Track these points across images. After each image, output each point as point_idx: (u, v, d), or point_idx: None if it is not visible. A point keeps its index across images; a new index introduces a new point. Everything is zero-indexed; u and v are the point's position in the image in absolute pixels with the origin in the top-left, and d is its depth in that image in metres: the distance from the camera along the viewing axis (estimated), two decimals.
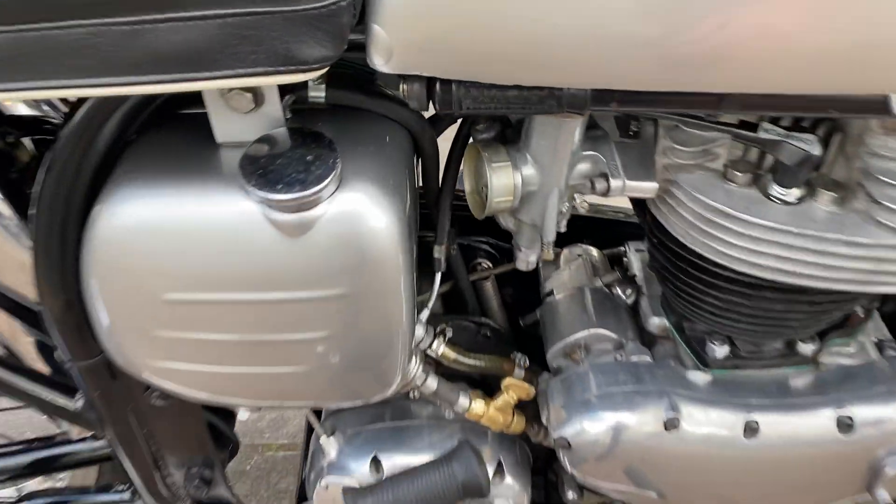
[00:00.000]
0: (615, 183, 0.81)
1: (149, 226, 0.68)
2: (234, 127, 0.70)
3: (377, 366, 0.80)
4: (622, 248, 1.16)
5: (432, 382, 0.91)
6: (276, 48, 0.58)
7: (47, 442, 1.09)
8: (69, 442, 1.05)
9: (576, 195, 0.85)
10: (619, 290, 1.05)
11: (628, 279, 1.06)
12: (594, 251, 1.12)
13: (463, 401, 0.93)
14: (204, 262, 0.68)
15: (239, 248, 0.68)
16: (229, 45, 0.57)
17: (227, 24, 0.56)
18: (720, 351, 0.93)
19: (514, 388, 0.94)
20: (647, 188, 0.82)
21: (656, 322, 1.02)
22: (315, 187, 0.65)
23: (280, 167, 0.66)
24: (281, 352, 0.75)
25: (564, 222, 0.88)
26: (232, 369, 0.77)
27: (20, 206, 0.86)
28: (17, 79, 0.58)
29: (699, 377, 0.95)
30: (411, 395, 0.92)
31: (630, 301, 1.05)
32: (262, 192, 0.64)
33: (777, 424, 0.91)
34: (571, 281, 1.06)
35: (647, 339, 1.04)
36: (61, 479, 1.28)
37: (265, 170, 0.66)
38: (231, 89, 0.66)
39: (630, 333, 1.00)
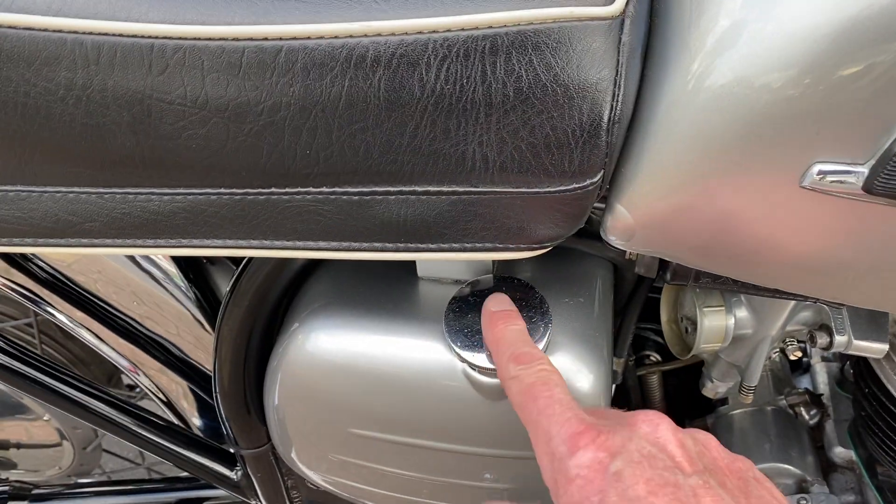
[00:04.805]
0: (839, 339, 0.72)
1: (343, 360, 0.65)
2: (437, 263, 0.65)
3: None
4: None
5: None
6: (508, 226, 0.53)
7: (191, 483, 1.10)
8: (215, 486, 1.06)
9: (789, 340, 0.77)
10: (802, 411, 0.96)
11: (815, 399, 0.96)
12: (776, 356, 1.02)
13: None
14: (396, 406, 0.65)
15: (434, 400, 0.64)
16: (459, 221, 0.53)
17: (460, 202, 0.51)
18: None
19: None
20: (875, 349, 0.73)
21: (841, 453, 0.93)
22: None
23: None
24: (457, 492, 0.72)
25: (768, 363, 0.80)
26: (405, 496, 0.74)
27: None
28: (235, 236, 0.55)
29: None
30: None
31: (812, 422, 0.96)
32: (469, 354, 0.60)
33: None
34: None
35: (825, 464, 0.95)
36: None
37: (472, 329, 0.61)
38: None
39: (814, 469, 0.92)
